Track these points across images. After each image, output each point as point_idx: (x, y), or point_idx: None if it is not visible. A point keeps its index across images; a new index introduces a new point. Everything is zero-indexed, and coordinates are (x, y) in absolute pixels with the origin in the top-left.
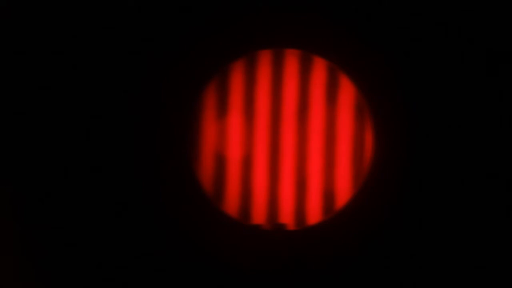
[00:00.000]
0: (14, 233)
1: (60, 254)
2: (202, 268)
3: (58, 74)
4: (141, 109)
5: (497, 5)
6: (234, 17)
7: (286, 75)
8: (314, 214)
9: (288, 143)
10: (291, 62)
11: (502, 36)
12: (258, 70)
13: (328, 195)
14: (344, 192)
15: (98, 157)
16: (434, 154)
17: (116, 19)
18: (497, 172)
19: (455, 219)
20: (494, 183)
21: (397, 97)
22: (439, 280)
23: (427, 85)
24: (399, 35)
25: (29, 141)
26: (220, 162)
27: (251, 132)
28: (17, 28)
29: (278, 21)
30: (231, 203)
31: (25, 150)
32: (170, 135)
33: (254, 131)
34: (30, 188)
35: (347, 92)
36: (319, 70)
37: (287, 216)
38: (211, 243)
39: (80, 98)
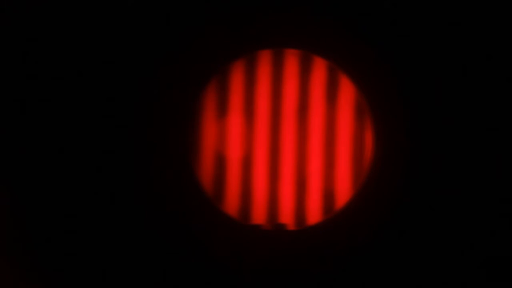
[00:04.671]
0: (14, 233)
1: (60, 254)
2: (202, 268)
3: (58, 74)
4: (141, 109)
5: (497, 4)
6: (234, 17)
7: (286, 75)
8: (314, 214)
9: (288, 143)
10: (291, 62)
11: (502, 35)
12: (258, 70)
13: (328, 195)
14: (344, 192)
15: (98, 157)
16: (434, 154)
17: (115, 19)
18: (497, 171)
19: (455, 218)
20: (494, 182)
21: (397, 97)
22: (439, 280)
23: (427, 85)
24: (399, 35)
25: (29, 141)
26: (220, 162)
27: (251, 132)
28: (16, 27)
29: (278, 21)
30: (231, 203)
31: (25, 150)
32: (170, 135)
33: (254, 131)
34: (30, 188)
35: (347, 92)
36: (319, 70)
37: (287, 216)
38: (211, 243)
39: (80, 98)
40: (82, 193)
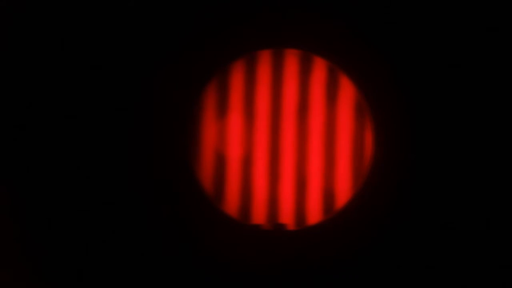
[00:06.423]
0: (14, 233)
1: (60, 254)
2: (202, 268)
3: (57, 74)
4: (140, 109)
5: (497, 5)
6: (234, 17)
7: (286, 75)
8: (314, 214)
9: (288, 143)
10: (291, 62)
11: (503, 35)
12: (258, 70)
13: (328, 195)
14: (344, 192)
15: (98, 157)
16: (434, 154)
17: (116, 19)
18: (498, 172)
19: (456, 219)
20: (495, 183)
21: (397, 97)
22: (439, 280)
23: (427, 85)
24: (399, 35)
25: (29, 141)
26: (220, 162)
27: (251, 132)
28: (15, 26)
29: (278, 21)
30: (231, 203)
31: (25, 150)
32: (170, 135)
33: (254, 131)
34: (30, 188)
35: (347, 92)
36: (319, 70)
37: (287, 216)
38: (211, 243)
39: (80, 98)
40: (81, 193)
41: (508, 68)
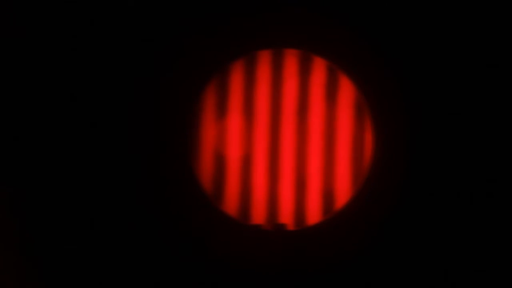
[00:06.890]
0: (14, 233)
1: (60, 254)
2: (202, 268)
3: (57, 74)
4: (140, 109)
5: (497, 5)
6: (234, 17)
7: (286, 75)
8: (314, 214)
9: (288, 143)
10: (291, 62)
11: (503, 36)
12: (258, 70)
13: (328, 195)
14: (344, 192)
15: (98, 157)
16: (434, 154)
17: (115, 19)
18: (498, 172)
19: (455, 219)
20: (494, 183)
21: (397, 97)
22: (439, 280)
23: (427, 85)
24: (399, 35)
25: (29, 141)
26: (220, 162)
27: (251, 132)
28: (15, 26)
29: (278, 21)
30: (231, 203)
31: (25, 151)
32: (170, 135)
33: (254, 131)
34: (30, 188)
35: (347, 92)
36: (319, 70)
37: (287, 216)
38: (210, 243)
39: (80, 98)
40: (81, 193)
41: (508, 69)
